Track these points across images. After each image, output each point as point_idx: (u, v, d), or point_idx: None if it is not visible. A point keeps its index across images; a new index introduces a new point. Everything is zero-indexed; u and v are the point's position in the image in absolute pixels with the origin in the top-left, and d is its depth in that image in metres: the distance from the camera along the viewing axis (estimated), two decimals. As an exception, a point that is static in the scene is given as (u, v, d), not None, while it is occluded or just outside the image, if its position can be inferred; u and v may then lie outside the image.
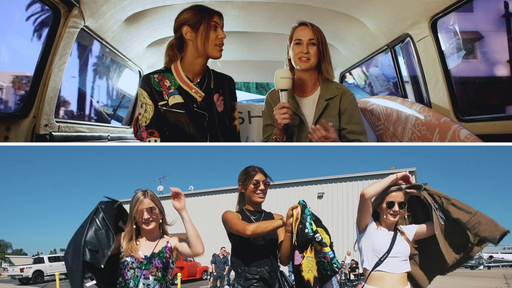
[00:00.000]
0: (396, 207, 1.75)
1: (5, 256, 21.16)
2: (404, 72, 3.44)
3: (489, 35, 3.21)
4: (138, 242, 1.68)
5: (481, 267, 15.72)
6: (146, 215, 1.66)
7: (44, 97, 2.52)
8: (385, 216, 1.78)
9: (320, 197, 12.69)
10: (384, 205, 1.77)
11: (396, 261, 1.74)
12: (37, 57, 2.50)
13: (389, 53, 3.47)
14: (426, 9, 2.66)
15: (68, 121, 3.07)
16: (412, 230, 1.82)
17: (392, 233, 1.78)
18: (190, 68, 2.19)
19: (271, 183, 1.85)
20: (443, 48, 2.81)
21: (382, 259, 1.73)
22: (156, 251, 1.68)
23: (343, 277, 9.77)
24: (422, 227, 1.81)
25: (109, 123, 4.40)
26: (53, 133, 2.69)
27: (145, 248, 1.69)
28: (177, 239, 1.73)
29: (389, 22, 3.06)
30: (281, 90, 2.24)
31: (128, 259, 1.65)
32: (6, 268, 15.32)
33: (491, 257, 16.28)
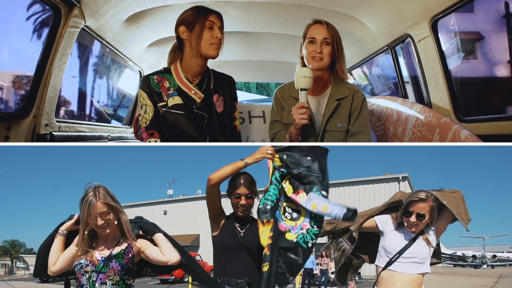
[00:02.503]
0: (413, 218, 1.67)
1: (20, 255, 21.91)
2: (405, 73, 3.44)
3: (489, 36, 3.21)
4: (94, 244, 1.55)
5: (485, 266, 15.69)
6: (99, 221, 1.50)
7: (44, 97, 2.53)
8: (405, 224, 1.72)
9: (320, 200, 13.28)
10: (404, 213, 1.70)
11: (409, 262, 1.68)
12: (37, 57, 2.50)
13: (390, 53, 3.47)
14: (427, 9, 2.65)
15: (69, 121, 3.07)
16: (433, 236, 1.74)
17: (413, 234, 1.72)
18: (189, 69, 2.19)
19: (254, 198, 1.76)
20: (444, 48, 2.80)
21: (393, 259, 1.69)
22: (115, 252, 1.54)
23: None
24: (441, 222, 1.74)
25: (110, 123, 4.40)
26: (53, 133, 2.70)
27: (102, 249, 1.55)
28: (145, 243, 1.58)
29: (389, 23, 3.06)
30: (301, 90, 2.17)
31: (83, 261, 1.51)
32: (28, 267, 17.24)
33: (494, 256, 16.23)
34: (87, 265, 1.51)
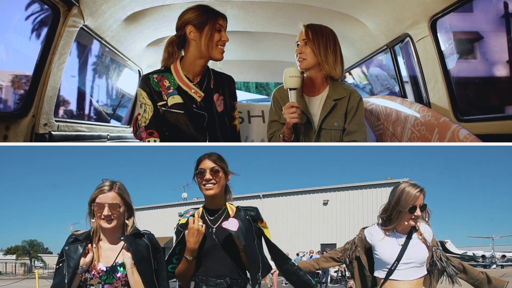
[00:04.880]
0: (418, 212, 1.63)
1: (38, 255, 22.52)
2: (404, 72, 3.45)
3: (488, 35, 3.21)
4: (98, 247, 1.46)
5: (494, 266, 15.62)
6: (106, 212, 1.41)
7: (43, 96, 2.52)
8: (404, 222, 1.65)
9: (325, 203, 14.29)
10: (406, 211, 1.62)
11: (409, 268, 1.64)
12: (36, 56, 2.50)
13: (389, 53, 3.47)
14: (426, 9, 2.66)
15: (68, 120, 3.07)
16: (430, 233, 1.70)
17: (405, 236, 1.67)
18: (190, 68, 2.19)
19: (229, 172, 1.59)
20: (443, 48, 2.81)
21: (393, 268, 1.64)
22: (119, 261, 1.45)
23: (339, 274, 10.35)
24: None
25: (109, 122, 4.40)
26: (52, 132, 2.69)
27: (105, 256, 1.46)
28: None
29: (388, 22, 3.07)
30: (290, 89, 2.23)
31: (87, 274, 1.43)
32: (46, 266, 18.43)
33: (504, 256, 16.14)
34: (91, 278, 1.44)
